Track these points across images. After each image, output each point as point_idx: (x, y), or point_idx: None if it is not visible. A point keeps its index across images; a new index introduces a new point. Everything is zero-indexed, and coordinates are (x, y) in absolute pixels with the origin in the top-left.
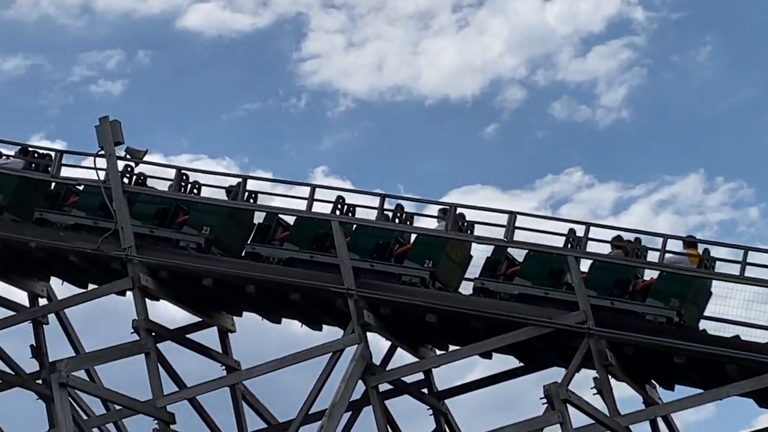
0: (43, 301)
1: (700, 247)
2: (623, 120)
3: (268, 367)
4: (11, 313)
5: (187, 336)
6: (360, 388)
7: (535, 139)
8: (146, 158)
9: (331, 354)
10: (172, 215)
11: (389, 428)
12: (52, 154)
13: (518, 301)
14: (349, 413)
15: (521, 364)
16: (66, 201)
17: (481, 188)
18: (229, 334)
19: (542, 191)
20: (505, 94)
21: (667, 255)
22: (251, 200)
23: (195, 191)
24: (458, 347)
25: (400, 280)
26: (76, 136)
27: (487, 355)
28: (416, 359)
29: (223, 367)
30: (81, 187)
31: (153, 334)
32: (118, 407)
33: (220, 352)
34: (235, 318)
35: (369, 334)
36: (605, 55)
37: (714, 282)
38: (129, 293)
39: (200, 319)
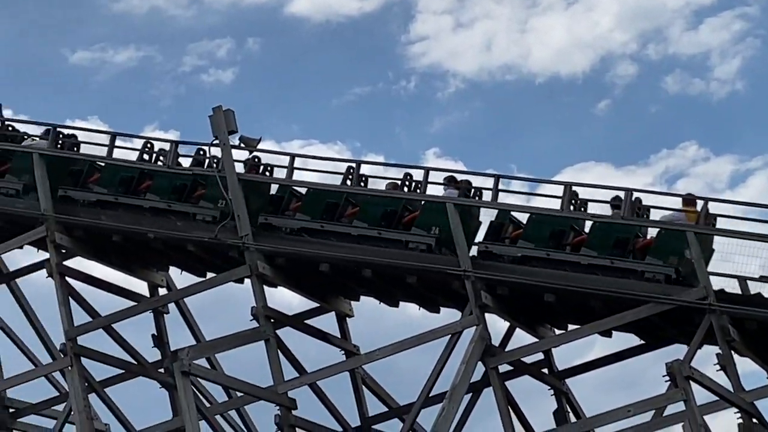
0: (162, 291)
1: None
2: (738, 92)
3: (388, 351)
4: (132, 303)
5: (305, 322)
6: (479, 369)
7: (648, 113)
8: (259, 146)
9: (449, 336)
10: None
11: (510, 409)
12: (167, 145)
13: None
14: (470, 395)
15: (642, 342)
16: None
17: (594, 165)
18: (347, 318)
19: (657, 166)
20: (616, 70)
21: (665, 213)
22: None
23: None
24: (577, 326)
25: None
26: (189, 126)
27: (607, 334)
28: (535, 339)
29: (343, 352)
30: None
31: (272, 320)
32: (239, 394)
33: (339, 337)
34: (352, 302)
35: (487, 315)
36: (717, 27)
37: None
38: (247, 281)
39: (318, 305)
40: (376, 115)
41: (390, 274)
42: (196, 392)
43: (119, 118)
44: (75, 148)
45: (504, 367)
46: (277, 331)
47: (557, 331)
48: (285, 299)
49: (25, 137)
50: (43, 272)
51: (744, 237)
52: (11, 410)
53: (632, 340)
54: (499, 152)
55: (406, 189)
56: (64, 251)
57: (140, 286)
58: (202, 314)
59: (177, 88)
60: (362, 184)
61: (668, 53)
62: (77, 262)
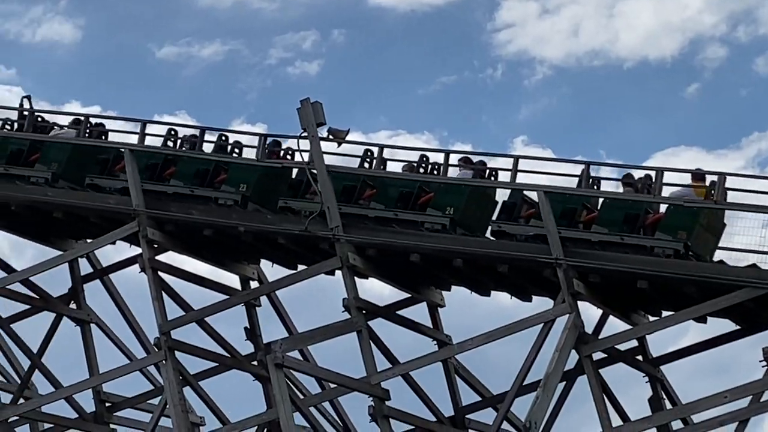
0: (254, 284)
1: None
2: None
3: (480, 341)
4: (224, 296)
5: (397, 312)
6: (573, 357)
7: (738, 96)
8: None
9: (542, 325)
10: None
11: (605, 397)
12: (256, 139)
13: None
14: (563, 383)
15: (737, 327)
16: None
17: (685, 149)
18: (438, 308)
19: (749, 149)
20: (705, 53)
21: (674, 189)
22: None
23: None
24: (671, 312)
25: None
26: (276, 119)
27: (701, 320)
28: (629, 326)
29: (435, 342)
30: None
31: (363, 311)
32: (332, 386)
33: (431, 327)
34: (443, 292)
35: (579, 303)
36: None
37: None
38: (338, 272)
39: (409, 295)
40: (463, 104)
41: (481, 264)
42: (290, 384)
43: (206, 112)
44: (103, 137)
45: (598, 355)
46: (369, 322)
47: (651, 318)
48: (375, 290)
49: (55, 127)
50: (136, 267)
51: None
52: (108, 404)
53: (727, 325)
54: (587, 139)
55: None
56: (156, 246)
57: (232, 280)
58: (292, 306)
59: (263, 82)
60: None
61: (758, 34)
62: (169, 257)
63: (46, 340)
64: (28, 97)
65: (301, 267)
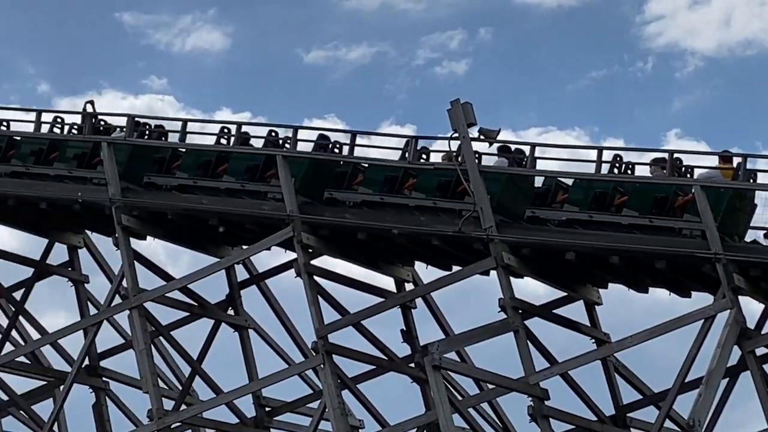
0: (409, 286)
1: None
2: None
3: (639, 338)
4: (380, 299)
5: (553, 311)
6: (735, 353)
7: None
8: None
9: (702, 321)
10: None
11: None
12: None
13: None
14: (726, 380)
15: None
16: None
17: None
18: (595, 306)
19: None
20: None
21: (701, 171)
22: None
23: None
24: None
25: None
26: (425, 120)
27: None
28: None
29: (593, 340)
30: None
31: (519, 311)
32: (491, 386)
33: (588, 325)
34: (600, 290)
35: (740, 298)
36: None
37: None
38: (492, 272)
39: (565, 294)
40: (613, 98)
41: (638, 260)
42: (448, 385)
43: (355, 115)
44: (163, 138)
45: (761, 350)
46: (525, 322)
47: None
48: (530, 289)
49: (117, 130)
50: (291, 272)
51: None
52: (267, 409)
53: None
54: (743, 130)
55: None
56: (310, 251)
57: (386, 282)
58: (446, 306)
59: (411, 82)
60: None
61: None
62: (323, 261)
63: (206, 346)
64: (91, 102)
65: (455, 268)
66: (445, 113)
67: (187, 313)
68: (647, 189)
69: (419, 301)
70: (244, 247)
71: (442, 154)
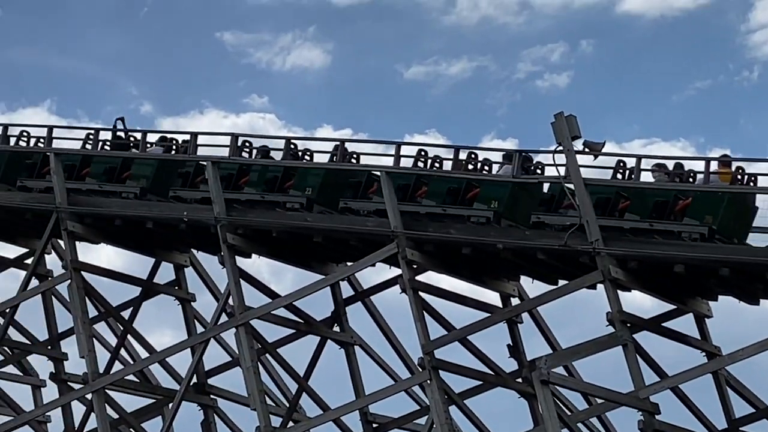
0: (515, 301)
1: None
2: None
3: (751, 350)
4: (485, 314)
5: (662, 324)
6: None
7: None
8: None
9: None
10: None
11: None
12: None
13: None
14: None
15: None
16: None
17: None
18: (705, 319)
19: None
20: None
21: (700, 176)
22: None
23: None
24: None
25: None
26: (527, 133)
27: None
28: None
29: (703, 354)
30: None
31: (628, 325)
32: (599, 401)
33: (698, 338)
34: (710, 302)
35: None
36: None
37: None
38: (599, 285)
39: (674, 307)
40: (719, 108)
41: (749, 272)
42: (556, 400)
43: (456, 130)
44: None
45: None
46: (634, 335)
47: None
48: (636, 302)
49: (149, 146)
50: (396, 288)
51: None
52: (374, 425)
53: None
54: None
55: None
56: (415, 266)
57: (492, 297)
58: (551, 320)
59: (512, 96)
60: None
61: None
62: (427, 276)
63: (312, 363)
64: (122, 119)
65: (561, 281)
66: (548, 126)
67: (293, 330)
68: (648, 194)
69: (525, 315)
70: (349, 263)
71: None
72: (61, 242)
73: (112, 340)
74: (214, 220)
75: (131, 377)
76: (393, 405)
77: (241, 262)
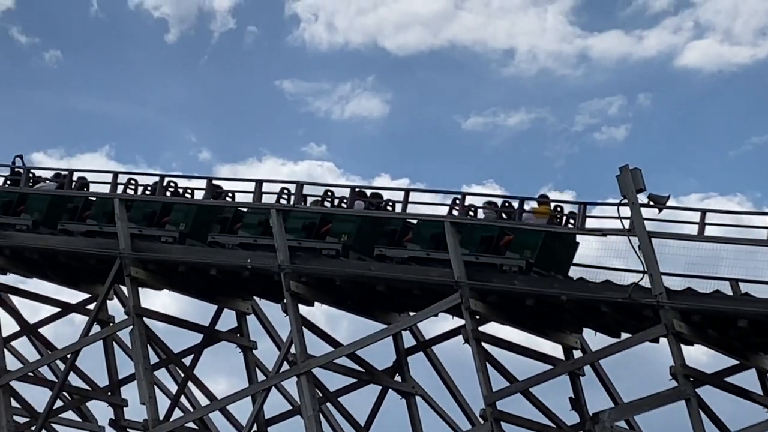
0: (577, 353)
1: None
2: None
3: None
4: (548, 366)
5: (725, 379)
6: None
7: None
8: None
9: None
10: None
11: None
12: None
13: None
14: None
15: None
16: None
17: None
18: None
19: None
20: None
21: (524, 214)
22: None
23: None
24: None
25: None
26: (584, 186)
27: None
28: None
29: (766, 410)
30: None
31: (691, 379)
32: None
33: (761, 393)
34: None
35: None
36: None
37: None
38: (662, 339)
39: (738, 362)
40: None
41: None
42: None
43: (514, 181)
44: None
45: None
46: (697, 390)
47: None
48: (691, 356)
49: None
50: (458, 338)
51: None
52: None
53: None
54: None
55: None
56: (478, 317)
57: (553, 349)
58: (611, 371)
59: (570, 148)
60: None
61: None
62: (490, 327)
63: (373, 412)
64: (20, 156)
65: (623, 334)
66: (606, 179)
67: (355, 380)
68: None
69: (587, 368)
70: (411, 313)
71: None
72: (124, 288)
73: (173, 387)
74: (277, 267)
75: (191, 424)
76: None
77: (301, 309)
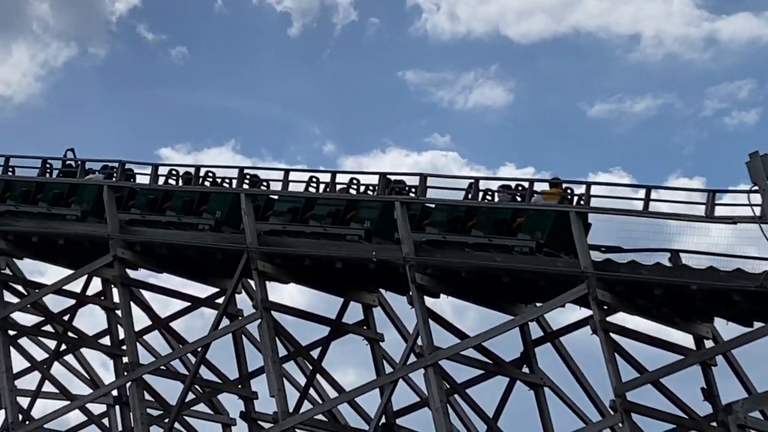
0: (709, 343)
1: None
2: None
3: None
4: (678, 356)
5: None
6: None
7: None
8: None
9: None
10: None
11: None
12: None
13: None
14: None
15: None
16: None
17: None
18: None
19: None
20: None
21: (534, 197)
22: None
23: None
24: None
25: None
26: (714, 171)
27: None
28: None
29: None
30: None
31: None
32: None
33: None
34: None
35: None
36: None
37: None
38: None
39: None
40: None
41: None
42: None
43: (641, 168)
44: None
45: None
46: None
47: None
48: None
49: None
50: (585, 329)
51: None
52: None
53: None
54: None
55: None
56: (606, 307)
57: (683, 339)
58: (745, 361)
59: (699, 134)
60: None
61: None
62: (618, 317)
63: (501, 404)
64: (72, 150)
65: (756, 323)
66: (737, 164)
67: (482, 371)
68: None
69: (719, 358)
70: (538, 304)
71: None
72: (252, 282)
73: (301, 379)
74: (402, 260)
75: (320, 416)
76: None
77: (426, 300)
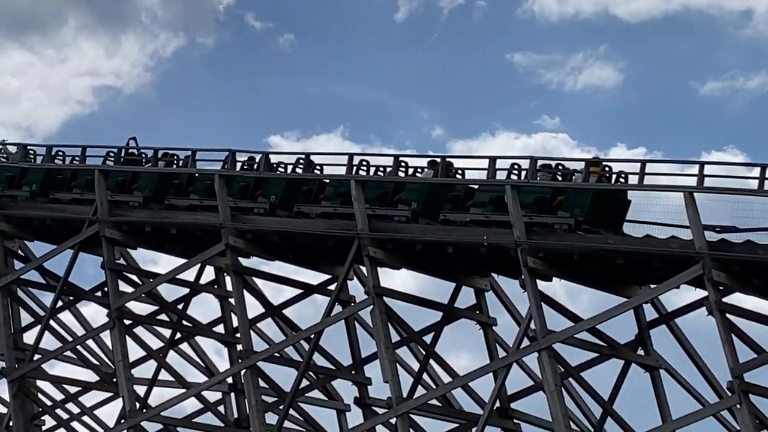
0: None
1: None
2: None
3: None
4: None
5: None
6: None
7: None
8: None
9: None
10: None
11: None
12: None
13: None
14: None
15: None
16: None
17: None
18: None
19: None
20: None
21: (575, 175)
22: None
23: None
24: None
25: None
26: None
27: None
28: None
29: None
30: None
31: None
32: None
33: None
34: None
35: None
36: None
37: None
38: None
39: None
40: None
41: None
42: None
43: (756, 146)
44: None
45: None
46: None
47: None
48: None
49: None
50: (701, 310)
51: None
52: None
53: None
54: None
55: None
56: (721, 288)
57: None
58: None
59: None
60: None
61: None
62: (734, 297)
63: (617, 387)
64: (134, 138)
65: None
66: None
67: (596, 354)
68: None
69: None
70: (652, 286)
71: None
72: (363, 268)
73: (414, 365)
74: (514, 244)
75: (434, 401)
76: (702, 430)
77: (539, 284)
